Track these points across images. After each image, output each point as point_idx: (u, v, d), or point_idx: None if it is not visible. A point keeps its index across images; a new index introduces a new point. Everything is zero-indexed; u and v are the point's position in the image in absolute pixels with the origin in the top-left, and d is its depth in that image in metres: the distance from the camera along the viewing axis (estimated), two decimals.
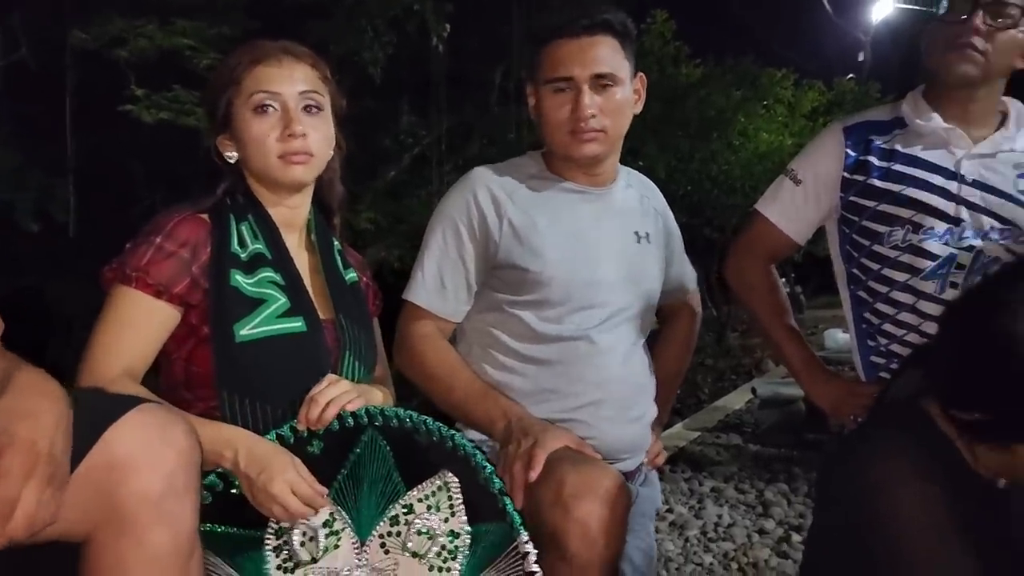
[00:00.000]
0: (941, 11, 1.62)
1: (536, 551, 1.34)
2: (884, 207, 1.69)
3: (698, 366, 11.16)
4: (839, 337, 7.99)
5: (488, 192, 1.66)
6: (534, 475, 1.40)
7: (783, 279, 18.61)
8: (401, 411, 1.45)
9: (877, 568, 0.97)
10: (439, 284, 1.66)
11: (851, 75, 16.82)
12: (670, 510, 4.45)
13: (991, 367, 0.97)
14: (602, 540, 1.34)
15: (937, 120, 1.70)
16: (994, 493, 1.08)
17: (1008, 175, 1.68)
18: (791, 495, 4.47)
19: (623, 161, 1.86)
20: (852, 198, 1.72)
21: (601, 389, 1.63)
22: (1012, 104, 1.77)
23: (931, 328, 1.61)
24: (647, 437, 1.76)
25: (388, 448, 1.41)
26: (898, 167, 1.70)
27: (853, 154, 1.73)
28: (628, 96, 1.67)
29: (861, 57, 20.72)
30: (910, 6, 20.07)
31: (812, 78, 13.35)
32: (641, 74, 1.71)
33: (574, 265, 1.64)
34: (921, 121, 1.72)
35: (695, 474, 5.17)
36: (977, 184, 1.67)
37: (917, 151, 1.70)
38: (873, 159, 1.72)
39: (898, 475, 0.98)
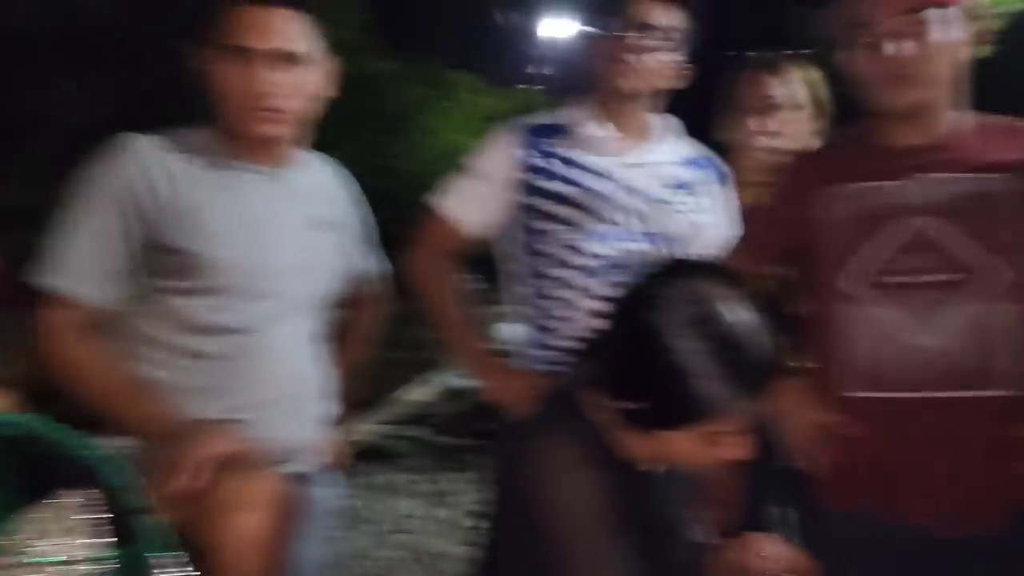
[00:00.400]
0: (606, 27, 1.73)
1: (191, 569, 1.21)
2: (550, 207, 1.74)
3: (388, 359, 11.27)
4: (515, 331, 8.46)
5: (142, 163, 1.45)
6: (188, 484, 1.26)
7: (462, 273, 19.46)
8: (18, 417, 1.22)
9: (540, 556, 0.99)
10: (83, 265, 1.43)
11: (532, 84, 18.02)
12: (355, 506, 4.40)
13: (640, 359, 1.03)
14: (259, 552, 1.24)
15: (599, 128, 1.79)
16: (638, 476, 1.17)
17: (659, 184, 1.79)
18: (472, 485, 4.63)
19: (312, 150, 1.77)
20: (524, 198, 1.78)
21: (271, 386, 1.51)
22: (666, 118, 1.92)
23: (594, 324, 1.69)
24: (325, 436, 1.67)
25: None
26: (564, 170, 1.76)
27: (525, 155, 1.77)
28: (315, 78, 1.56)
29: (538, 68, 22.27)
30: (580, 24, 21.95)
31: (491, 84, 14.07)
32: (333, 59, 1.61)
33: (243, 250, 1.48)
34: (585, 128, 1.79)
35: (382, 468, 5.17)
36: (632, 191, 1.76)
37: (581, 156, 1.77)
38: (542, 161, 1.77)
39: (554, 467, 1.02)
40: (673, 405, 1.03)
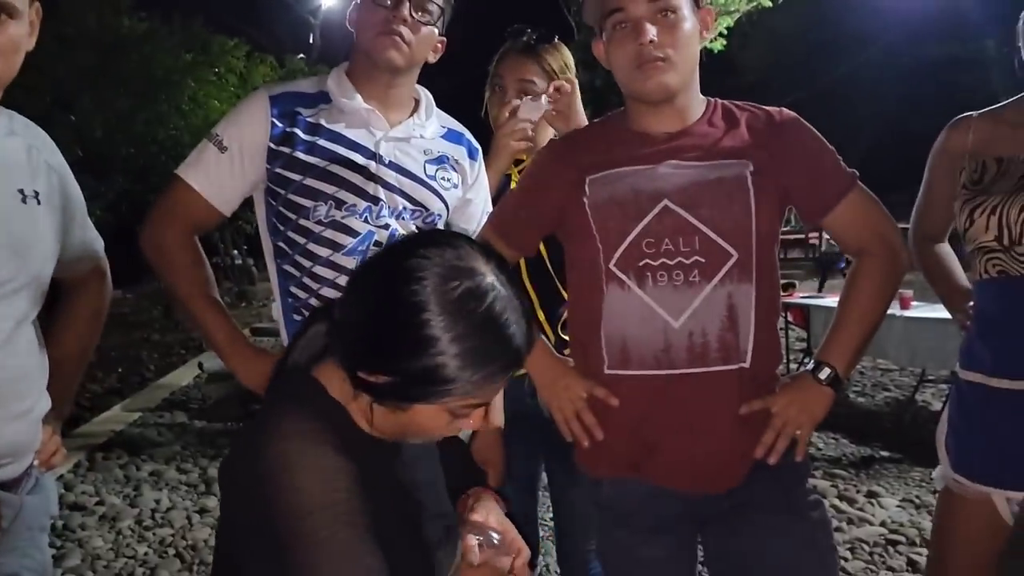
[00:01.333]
0: None
1: None
2: (309, 181, 1.66)
3: (143, 341, 10.53)
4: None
5: None
6: None
7: (235, 250, 18.58)
8: None
9: (284, 552, 0.94)
10: None
11: (302, 55, 17.46)
12: (100, 502, 4.07)
13: (393, 331, 1.02)
14: None
15: (359, 100, 1.72)
16: (384, 449, 1.16)
17: (419, 159, 1.76)
18: None
19: (47, 114, 1.56)
20: (278, 170, 1.68)
21: None
22: (423, 92, 1.90)
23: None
24: (37, 435, 1.47)
25: None
26: (323, 142, 1.68)
27: (280, 125, 1.67)
28: (25, 31, 1.36)
29: (312, 39, 21.58)
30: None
31: (264, 52, 13.46)
32: (37, 6, 1.41)
33: None
34: (345, 99, 1.72)
35: (132, 459, 4.82)
36: (393, 166, 1.72)
37: (341, 128, 1.70)
38: (299, 132, 1.68)
39: (293, 454, 0.98)
40: (419, 378, 1.01)
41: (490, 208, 1.91)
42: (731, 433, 1.48)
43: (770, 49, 21.39)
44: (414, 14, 1.66)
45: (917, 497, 3.79)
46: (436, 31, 1.74)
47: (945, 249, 1.85)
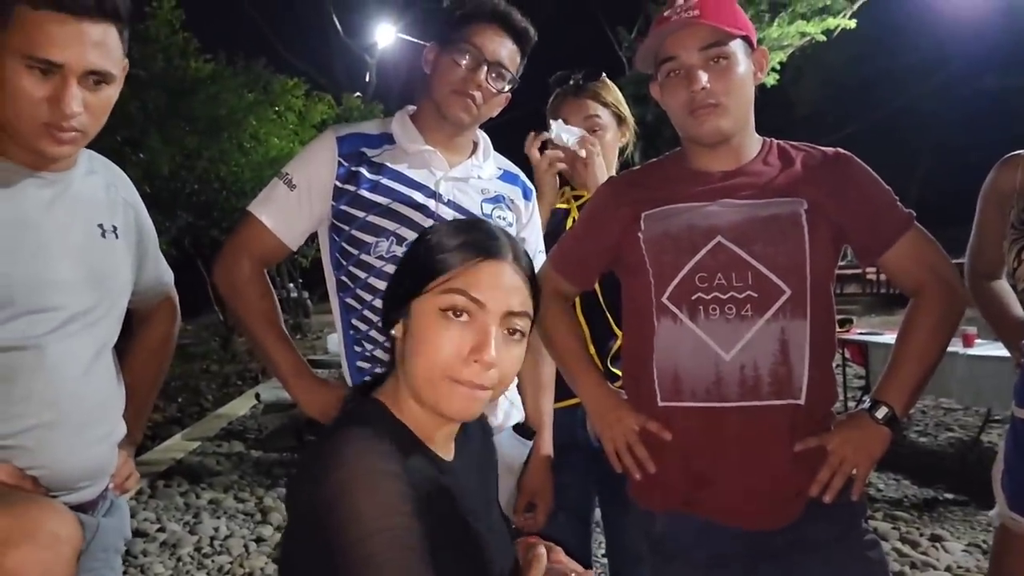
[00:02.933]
0: (455, 51, 1.71)
1: None
2: (372, 218, 1.72)
3: (202, 373, 10.77)
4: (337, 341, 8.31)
5: None
6: None
7: (291, 283, 18.95)
8: None
9: (345, 572, 0.97)
10: None
11: (358, 93, 17.85)
12: (161, 529, 4.17)
13: (405, 260, 1.20)
14: None
15: (420, 142, 1.79)
16: (443, 470, 1.18)
17: (476, 198, 1.82)
18: None
19: (119, 151, 1.66)
20: (343, 207, 1.72)
21: (53, 408, 1.37)
22: (482, 136, 1.95)
23: None
24: (113, 459, 1.54)
25: None
26: (386, 181, 1.75)
27: (346, 164, 1.74)
28: (116, 92, 1.43)
29: (368, 78, 22.08)
30: (410, 37, 22.01)
31: (322, 91, 13.81)
32: (126, 61, 1.48)
33: (16, 260, 1.35)
34: (408, 141, 1.79)
35: (192, 487, 4.92)
36: (451, 204, 1.78)
37: (403, 168, 1.77)
38: (364, 171, 1.75)
39: (353, 478, 1.01)
40: (407, 269, 1.16)
41: (541, 247, 1.95)
42: (785, 469, 1.48)
43: (823, 83, 21.19)
44: (490, 80, 1.72)
45: (984, 541, 3.66)
46: (508, 90, 1.80)
47: (1001, 286, 1.83)
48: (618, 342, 1.94)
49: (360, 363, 1.78)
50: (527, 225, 1.94)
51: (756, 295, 1.46)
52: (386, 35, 21.09)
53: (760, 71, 1.55)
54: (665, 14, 1.51)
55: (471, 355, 1.09)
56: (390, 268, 1.72)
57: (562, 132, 2.02)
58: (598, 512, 2.20)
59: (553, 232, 2.04)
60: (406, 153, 1.79)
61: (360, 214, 1.72)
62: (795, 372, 1.46)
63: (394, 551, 0.98)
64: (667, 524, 1.56)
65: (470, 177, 1.83)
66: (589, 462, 1.96)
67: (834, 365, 1.56)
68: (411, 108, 1.86)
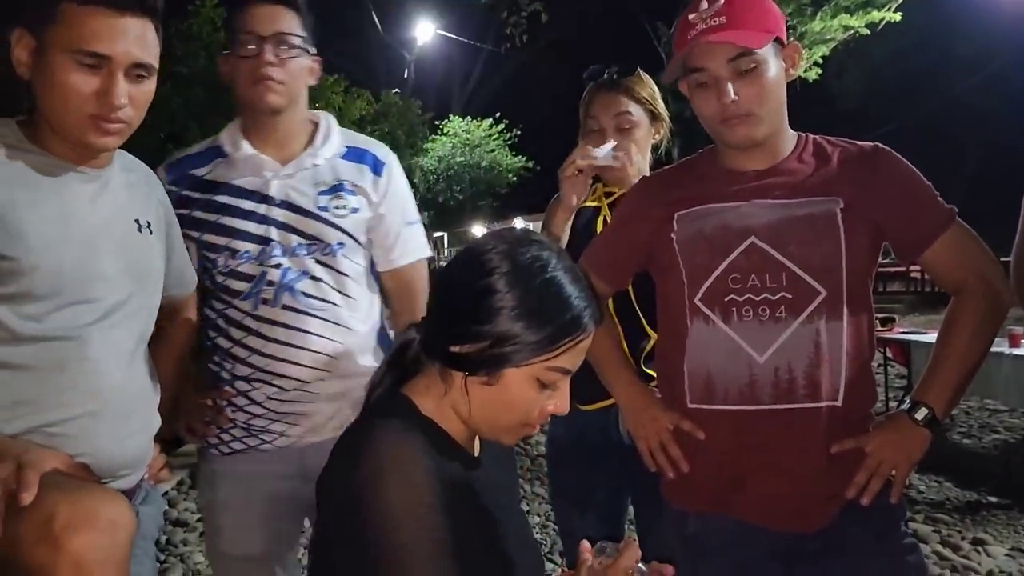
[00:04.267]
0: (234, 46, 1.72)
1: None
2: (207, 237, 1.76)
3: None
4: None
5: None
6: (28, 498, 1.18)
7: None
8: None
9: (372, 564, 0.99)
10: None
11: (396, 89, 17.95)
12: (201, 519, 4.22)
13: (471, 296, 1.10)
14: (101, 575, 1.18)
15: (247, 147, 1.78)
16: (471, 466, 1.19)
17: (310, 193, 1.78)
18: None
19: (161, 148, 1.70)
20: (186, 230, 1.74)
21: (96, 398, 1.41)
22: (323, 116, 1.89)
23: (254, 343, 1.75)
24: (150, 450, 1.57)
25: None
26: (218, 197, 1.76)
27: (175, 190, 1.75)
28: (154, 84, 1.49)
29: (406, 74, 22.20)
30: (449, 34, 22.09)
31: (361, 88, 13.89)
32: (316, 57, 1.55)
33: (65, 252, 1.39)
34: (233, 148, 1.79)
35: None
36: (284, 204, 1.76)
37: (232, 178, 1.77)
38: (194, 193, 1.77)
39: (384, 469, 1.02)
40: (497, 339, 1.08)
41: (412, 218, 1.95)
42: (821, 472, 1.45)
43: (867, 77, 20.82)
44: (278, 52, 1.71)
45: None
46: (306, 59, 1.79)
47: None
48: (651, 342, 1.93)
49: (211, 366, 1.83)
50: (382, 202, 1.88)
51: (790, 296, 1.44)
52: (425, 32, 21.20)
53: (792, 67, 1.51)
54: (690, 18, 1.47)
55: None
56: (228, 282, 1.76)
57: (593, 152, 1.96)
58: (631, 512, 2.19)
59: (583, 229, 2.02)
60: (234, 163, 1.79)
61: (196, 235, 1.74)
62: (831, 374, 1.44)
63: (423, 543, 1.00)
64: (700, 524, 1.55)
65: (302, 170, 1.80)
66: (622, 463, 1.95)
67: (875, 365, 1.54)
68: (240, 119, 1.84)
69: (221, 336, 1.80)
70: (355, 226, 1.83)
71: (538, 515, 3.99)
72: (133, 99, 1.40)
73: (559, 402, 1.14)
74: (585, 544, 1.12)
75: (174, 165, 1.81)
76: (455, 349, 1.11)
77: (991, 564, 3.45)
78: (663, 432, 1.55)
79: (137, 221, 1.53)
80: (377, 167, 1.90)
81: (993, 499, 4.27)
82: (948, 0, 15.50)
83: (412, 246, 1.95)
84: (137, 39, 1.38)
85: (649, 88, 2.09)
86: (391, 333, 1.94)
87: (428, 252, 2.02)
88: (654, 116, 2.08)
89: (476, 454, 1.23)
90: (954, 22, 18.53)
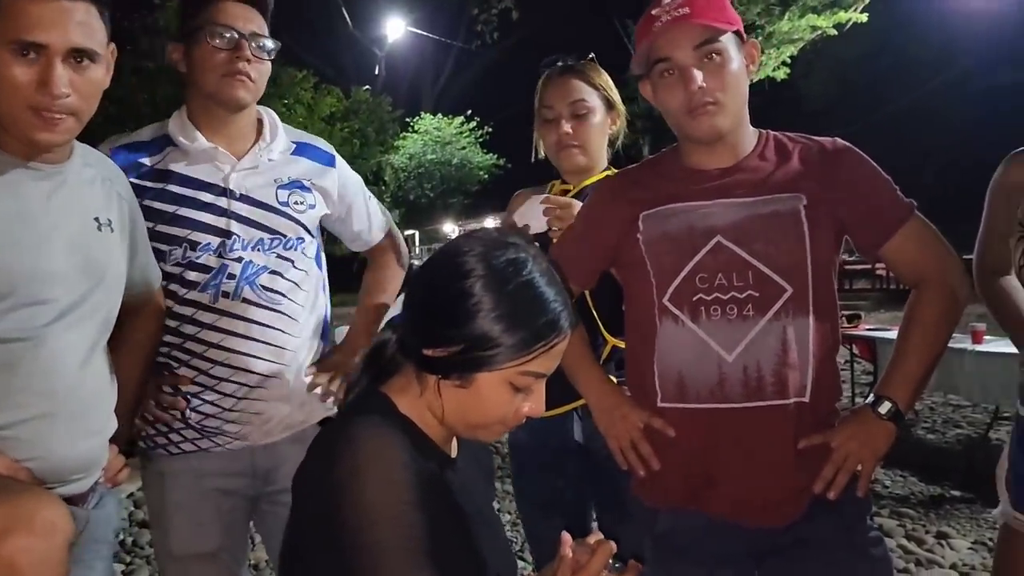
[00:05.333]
0: (207, 36, 1.68)
1: None
2: (161, 227, 1.71)
3: None
4: None
5: None
6: None
7: None
8: None
9: (347, 559, 0.98)
10: None
11: (367, 86, 17.87)
12: None
13: (447, 299, 1.10)
14: None
15: (201, 139, 1.75)
16: (447, 465, 1.19)
17: (270, 187, 1.79)
18: None
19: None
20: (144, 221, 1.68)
21: (51, 399, 1.37)
22: (266, 113, 1.88)
23: (212, 336, 1.71)
24: (105, 453, 1.54)
25: None
26: (172, 187, 1.73)
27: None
28: (104, 72, 1.44)
29: (377, 71, 22.09)
30: (420, 31, 22.01)
31: (331, 84, 13.82)
32: (112, 47, 1.49)
33: (17, 252, 1.35)
34: (187, 140, 1.75)
35: None
36: (244, 198, 1.75)
37: (187, 170, 1.75)
38: (144, 181, 1.72)
39: (363, 466, 1.02)
40: (472, 342, 1.07)
41: (368, 194, 2.04)
42: (789, 467, 1.47)
43: (834, 77, 21.10)
44: (254, 52, 1.71)
45: (990, 539, 3.64)
46: (270, 64, 1.79)
47: (1009, 282, 1.81)
48: (608, 347, 1.93)
49: (161, 359, 1.78)
50: (345, 192, 1.93)
51: (757, 294, 1.45)
52: (395, 28, 21.11)
53: (752, 63, 1.53)
54: (653, 12, 1.48)
55: None
56: (190, 275, 1.73)
57: (528, 219, 1.96)
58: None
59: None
60: (188, 153, 1.76)
61: (149, 224, 1.68)
62: (799, 370, 1.45)
63: (400, 540, 0.99)
64: (671, 522, 1.55)
65: (260, 163, 1.80)
66: (585, 466, 1.96)
67: (842, 361, 1.56)
68: (185, 108, 1.81)
69: (170, 333, 1.76)
70: (312, 222, 1.85)
71: (508, 513, 3.99)
72: (77, 87, 1.34)
73: (534, 404, 1.14)
74: (566, 537, 1.12)
75: (120, 149, 1.75)
76: (429, 352, 1.11)
77: (955, 557, 3.51)
78: (633, 431, 1.56)
79: (97, 219, 1.48)
80: (329, 159, 1.93)
81: (956, 493, 4.34)
82: (912, 3, 15.74)
83: (381, 215, 2.07)
84: (79, 24, 1.32)
85: (604, 77, 2.07)
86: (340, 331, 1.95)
87: (386, 214, 2.12)
88: (610, 105, 2.06)
89: (453, 455, 1.22)
90: (918, 25, 18.83)
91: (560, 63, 2.08)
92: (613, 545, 1.10)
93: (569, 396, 1.77)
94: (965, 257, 1.60)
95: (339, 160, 1.96)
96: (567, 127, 2.00)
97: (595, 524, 2.16)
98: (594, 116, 2.03)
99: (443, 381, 1.11)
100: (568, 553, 1.09)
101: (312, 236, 1.85)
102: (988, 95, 20.29)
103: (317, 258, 1.90)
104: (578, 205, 1.84)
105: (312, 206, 1.84)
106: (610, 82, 2.09)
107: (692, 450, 1.50)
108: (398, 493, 1.02)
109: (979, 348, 4.86)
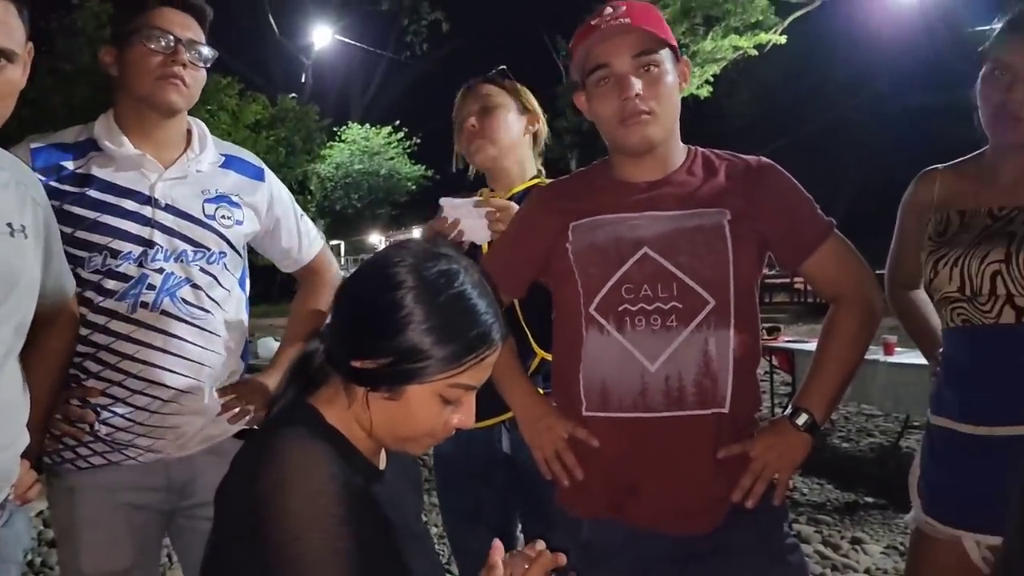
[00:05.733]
0: (144, 39, 1.66)
1: None
2: (81, 234, 1.66)
3: None
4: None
5: None
6: None
7: None
8: None
9: (271, 573, 0.96)
10: None
11: (294, 94, 17.62)
12: None
13: (375, 311, 1.08)
14: None
15: (128, 145, 1.71)
16: (375, 478, 1.18)
17: (197, 199, 1.75)
18: None
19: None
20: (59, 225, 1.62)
21: None
22: (195, 123, 1.85)
23: (126, 348, 1.66)
24: (16, 468, 1.47)
25: None
26: (93, 193, 1.68)
27: (43, 179, 1.63)
28: (21, 73, 1.37)
29: (304, 79, 21.81)
30: (348, 39, 21.82)
31: (257, 91, 13.58)
32: (30, 46, 1.44)
33: None
34: (113, 145, 1.71)
35: None
36: (170, 208, 1.72)
37: (112, 176, 1.70)
38: (64, 185, 1.67)
39: (288, 478, 1.00)
40: (402, 355, 1.06)
41: (300, 211, 2.01)
42: (710, 476, 1.49)
43: (756, 96, 21.74)
44: (191, 58, 1.70)
45: (902, 544, 3.78)
46: (205, 73, 1.77)
47: (919, 296, 1.89)
48: (537, 360, 1.94)
49: (72, 370, 1.71)
50: (271, 207, 1.90)
51: (681, 306, 1.48)
52: (323, 36, 20.89)
53: (684, 81, 1.57)
54: (592, 22, 1.51)
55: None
56: (108, 283, 1.67)
57: (461, 220, 1.93)
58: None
59: None
60: (113, 159, 1.71)
61: (68, 230, 1.63)
62: (719, 382, 1.48)
63: (325, 554, 0.98)
64: (594, 531, 1.56)
65: (188, 174, 1.77)
66: (509, 477, 1.96)
67: (762, 372, 1.60)
68: (112, 111, 1.77)
69: (82, 342, 1.69)
70: (237, 238, 1.81)
71: (436, 526, 3.96)
72: None
73: (464, 416, 1.13)
74: (497, 544, 1.11)
75: (41, 151, 1.69)
76: (357, 364, 1.09)
77: (868, 562, 3.62)
78: (558, 441, 1.57)
79: (10, 224, 1.41)
80: (257, 173, 1.89)
81: (870, 500, 4.49)
82: (829, 28, 16.33)
83: (314, 235, 2.01)
84: None
85: (517, 86, 2.10)
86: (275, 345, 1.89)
87: (323, 238, 2.06)
88: (524, 108, 2.09)
89: (382, 467, 1.21)
90: (835, 48, 19.55)
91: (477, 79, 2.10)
92: (559, 557, 1.11)
93: (497, 408, 1.76)
94: (878, 272, 1.66)
95: (269, 174, 1.93)
96: (472, 120, 2.03)
97: (520, 536, 2.17)
98: (503, 111, 2.04)
99: (372, 393, 1.10)
100: (497, 561, 1.09)
101: (237, 253, 1.81)
102: (900, 117, 21.16)
103: (242, 276, 1.86)
104: (515, 207, 1.85)
105: (239, 222, 1.80)
106: (524, 89, 2.11)
107: (615, 459, 1.52)
108: (324, 506, 1.00)
109: (891, 360, 5.05)
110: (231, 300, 1.79)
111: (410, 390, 1.08)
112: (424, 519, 1.46)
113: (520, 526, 2.15)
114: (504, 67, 2.12)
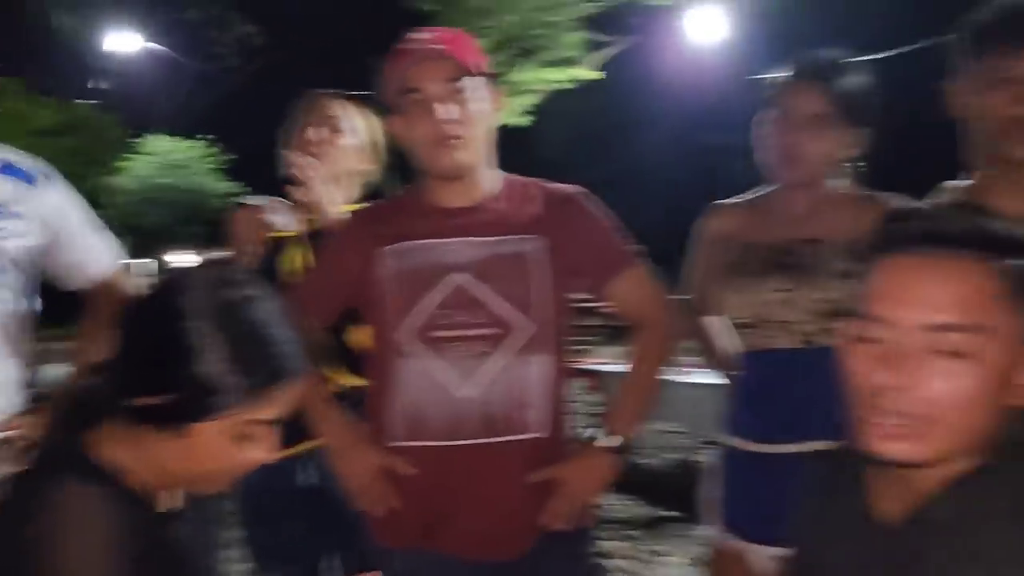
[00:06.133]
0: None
1: None
2: None
3: None
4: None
5: None
6: None
7: None
8: None
9: None
10: None
11: (94, 100, 16.40)
12: None
13: (160, 343, 0.99)
14: None
15: None
16: (163, 521, 1.09)
17: None
18: None
19: None
20: None
21: None
22: None
23: None
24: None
25: None
26: None
27: None
28: None
29: (104, 85, 20.37)
30: (157, 45, 20.63)
31: (49, 95, 12.55)
32: None
33: None
34: None
35: None
36: None
37: None
38: None
39: (59, 526, 0.90)
40: (190, 389, 0.97)
41: (98, 224, 1.85)
42: (522, 501, 1.51)
43: (570, 128, 22.63)
44: None
45: (702, 556, 3.99)
46: None
47: (712, 321, 2.01)
48: (348, 386, 1.89)
49: None
50: (59, 213, 1.74)
51: (492, 332, 1.50)
52: (127, 42, 19.61)
53: (497, 110, 1.60)
54: (407, 47, 1.52)
55: None
56: None
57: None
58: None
59: (270, 258, 1.97)
60: None
61: None
62: (532, 407, 1.51)
63: None
64: (406, 561, 1.54)
65: None
66: (320, 510, 1.90)
67: (573, 394, 1.64)
68: None
69: None
70: (18, 252, 1.64)
71: (244, 562, 3.75)
72: None
73: (264, 452, 1.05)
74: None
75: None
76: (140, 402, 0.99)
77: (672, 574, 3.79)
78: (369, 470, 1.53)
79: None
80: (30, 178, 1.70)
81: (670, 514, 4.73)
82: (639, 66, 17.29)
83: (110, 251, 1.83)
84: None
85: (370, 119, 2.08)
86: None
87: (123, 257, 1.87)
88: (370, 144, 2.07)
89: (175, 505, 1.11)
90: (644, 86, 20.74)
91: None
92: None
93: (297, 437, 1.69)
94: (676, 297, 1.76)
95: (53, 180, 1.74)
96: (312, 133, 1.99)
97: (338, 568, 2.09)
98: (348, 137, 2.02)
99: (159, 432, 1.00)
100: None
101: (16, 268, 1.64)
102: (701, 154, 22.75)
103: (26, 294, 1.68)
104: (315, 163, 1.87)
105: (18, 235, 1.63)
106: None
107: (426, 488, 1.50)
108: (101, 555, 0.91)
109: (690, 379, 5.36)
110: (11, 321, 1.63)
111: (201, 427, 0.99)
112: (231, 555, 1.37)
113: (336, 559, 2.08)
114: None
